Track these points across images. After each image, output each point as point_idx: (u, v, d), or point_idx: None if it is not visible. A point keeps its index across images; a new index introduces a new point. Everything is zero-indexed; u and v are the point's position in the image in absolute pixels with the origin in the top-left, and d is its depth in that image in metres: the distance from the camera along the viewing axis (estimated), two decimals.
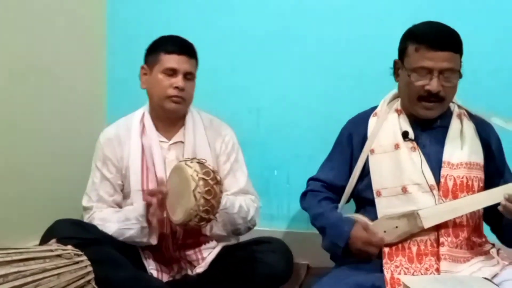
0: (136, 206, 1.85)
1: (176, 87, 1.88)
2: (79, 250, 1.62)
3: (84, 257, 1.61)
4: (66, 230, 1.75)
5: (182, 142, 1.96)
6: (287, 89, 2.49)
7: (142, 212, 1.79)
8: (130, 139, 1.94)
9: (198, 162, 1.69)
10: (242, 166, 2.03)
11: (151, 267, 1.89)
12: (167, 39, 1.96)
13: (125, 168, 1.94)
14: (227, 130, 2.05)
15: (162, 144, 1.95)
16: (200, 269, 1.90)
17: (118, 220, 1.84)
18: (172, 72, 1.89)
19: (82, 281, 1.56)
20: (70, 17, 2.47)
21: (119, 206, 1.96)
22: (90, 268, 1.61)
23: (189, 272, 1.92)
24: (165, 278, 1.90)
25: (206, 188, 1.62)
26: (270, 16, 2.48)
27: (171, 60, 1.89)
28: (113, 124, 2.04)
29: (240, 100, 2.52)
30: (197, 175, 1.63)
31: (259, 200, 2.03)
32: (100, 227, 1.84)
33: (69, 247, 1.62)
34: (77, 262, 1.58)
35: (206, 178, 1.63)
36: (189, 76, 1.92)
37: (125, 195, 1.95)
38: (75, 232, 1.74)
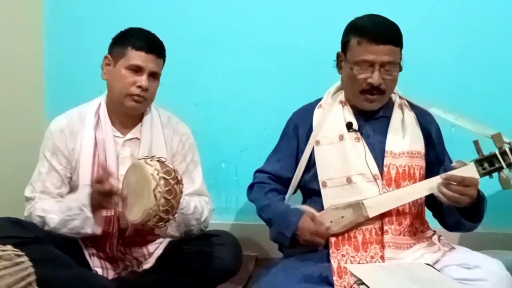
0: (78, 195, 1.79)
1: (140, 86, 1.80)
2: (19, 250, 1.54)
3: (25, 258, 1.53)
4: (4, 229, 1.68)
5: (138, 139, 1.90)
6: (235, 82, 2.48)
7: (85, 202, 1.73)
8: (83, 131, 1.86)
9: (158, 161, 1.63)
10: (197, 167, 2.00)
11: (96, 265, 1.84)
12: (137, 33, 1.87)
13: (76, 161, 1.86)
14: (185, 129, 2.00)
15: (117, 139, 1.88)
16: (147, 265, 1.87)
17: (60, 211, 1.77)
18: (137, 70, 1.81)
19: (23, 283, 1.49)
20: (5, 7, 2.35)
21: None
22: (31, 269, 1.53)
23: (136, 268, 1.88)
24: (110, 275, 1.86)
25: (167, 188, 1.58)
26: (219, 9, 2.46)
27: (138, 57, 1.81)
28: (65, 113, 1.93)
29: (188, 93, 2.49)
30: (157, 174, 1.58)
31: (213, 202, 2.01)
32: (41, 219, 1.78)
33: (9, 247, 1.54)
34: (18, 263, 1.50)
35: (167, 177, 1.59)
36: (154, 76, 1.85)
37: (73, 188, 1.88)
38: (13, 231, 1.68)
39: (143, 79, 1.80)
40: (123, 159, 1.84)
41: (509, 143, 1.63)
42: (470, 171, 1.64)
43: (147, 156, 1.69)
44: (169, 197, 1.58)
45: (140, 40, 1.83)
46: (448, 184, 1.61)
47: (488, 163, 1.64)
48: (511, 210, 1.94)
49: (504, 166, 1.63)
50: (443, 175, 1.63)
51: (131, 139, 1.90)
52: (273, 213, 1.79)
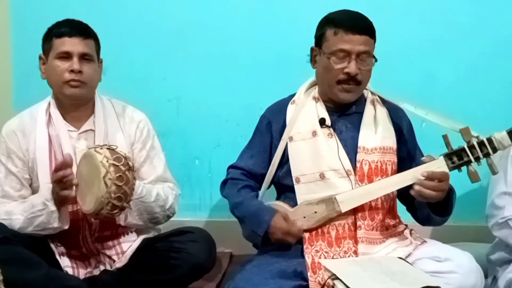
0: (41, 192, 1.77)
1: (72, 71, 1.79)
2: None
3: None
4: None
5: (93, 130, 1.88)
6: (207, 78, 2.45)
7: (48, 196, 1.71)
8: (35, 130, 1.85)
9: (108, 148, 1.63)
10: (159, 153, 1.99)
11: (66, 265, 1.82)
12: (58, 23, 1.86)
13: (32, 161, 1.84)
14: (141, 116, 1.99)
15: (71, 133, 1.87)
16: (119, 263, 1.85)
17: (24, 210, 1.75)
18: (66, 56, 1.80)
19: None
20: None
21: None
22: None
23: (108, 267, 1.86)
24: (81, 274, 1.83)
25: (118, 174, 1.57)
26: (188, 4, 2.43)
27: (62, 44, 1.80)
28: (16, 116, 1.93)
29: (159, 89, 2.45)
30: (107, 161, 1.57)
31: (178, 188, 2.00)
32: (6, 222, 1.75)
33: None
34: None
35: (117, 163, 1.58)
36: (86, 57, 1.83)
37: (34, 190, 1.85)
38: None
39: (74, 63, 1.80)
40: (79, 153, 1.81)
41: (477, 137, 1.66)
42: (439, 165, 1.67)
43: (98, 145, 1.69)
44: (120, 184, 1.57)
45: (60, 27, 1.84)
46: (428, 181, 1.62)
47: (457, 157, 1.66)
48: (480, 203, 1.96)
49: (473, 159, 1.66)
50: (424, 172, 1.64)
51: (85, 131, 1.88)
52: (245, 211, 1.78)
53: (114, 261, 1.86)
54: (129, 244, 1.89)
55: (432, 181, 1.62)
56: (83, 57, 1.82)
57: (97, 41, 1.90)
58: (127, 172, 1.59)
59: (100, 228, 1.84)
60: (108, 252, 1.87)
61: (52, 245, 1.82)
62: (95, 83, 1.90)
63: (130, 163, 1.63)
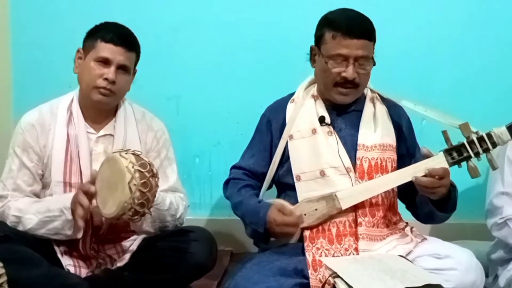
0: (60, 197, 1.76)
1: (106, 79, 1.77)
2: None
3: None
4: None
5: (112, 135, 1.87)
6: (207, 77, 2.45)
7: (67, 205, 1.69)
8: (55, 127, 1.82)
9: (133, 154, 1.62)
10: (172, 164, 1.98)
11: (68, 263, 1.81)
12: (108, 26, 1.84)
13: (48, 157, 1.82)
14: (160, 125, 1.98)
15: (90, 135, 1.85)
16: (120, 262, 1.85)
17: (38, 211, 1.73)
18: (105, 62, 1.78)
19: None
20: None
21: (37, 196, 1.84)
22: (2, 270, 1.50)
23: (109, 266, 1.86)
24: (83, 273, 1.83)
25: (142, 181, 1.56)
26: (188, 2, 2.43)
27: (106, 49, 1.78)
28: (35, 108, 1.89)
29: (159, 87, 2.45)
30: (132, 167, 1.56)
31: (188, 199, 2.00)
32: (15, 219, 1.74)
33: None
34: None
35: (142, 170, 1.57)
36: (123, 69, 1.81)
37: (45, 185, 1.84)
38: None
39: (110, 72, 1.78)
40: (96, 156, 1.81)
41: (476, 133, 1.66)
42: (439, 160, 1.67)
43: (122, 149, 1.68)
44: (144, 190, 1.57)
45: (110, 32, 1.81)
46: (427, 178, 1.62)
47: (456, 153, 1.67)
48: (480, 201, 1.97)
49: (472, 155, 1.66)
50: (425, 169, 1.64)
51: (104, 135, 1.87)
52: (245, 209, 1.79)
53: (115, 260, 1.86)
54: (130, 243, 1.89)
55: (432, 178, 1.62)
56: (121, 68, 1.80)
57: (138, 54, 1.88)
58: (151, 179, 1.58)
59: (107, 232, 1.83)
60: (108, 252, 1.87)
61: (54, 244, 1.82)
62: (124, 94, 1.89)
63: (154, 170, 1.61)
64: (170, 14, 2.43)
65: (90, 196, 1.66)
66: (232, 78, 2.44)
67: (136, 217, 1.61)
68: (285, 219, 1.69)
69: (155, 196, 1.63)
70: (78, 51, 1.86)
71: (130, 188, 1.55)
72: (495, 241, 1.95)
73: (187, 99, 2.47)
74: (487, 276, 1.80)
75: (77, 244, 1.82)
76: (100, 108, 1.86)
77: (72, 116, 1.85)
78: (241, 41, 2.42)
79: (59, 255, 1.81)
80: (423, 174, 1.64)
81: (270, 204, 1.75)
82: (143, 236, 1.91)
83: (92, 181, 1.67)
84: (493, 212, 1.87)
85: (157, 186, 1.62)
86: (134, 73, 1.91)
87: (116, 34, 1.81)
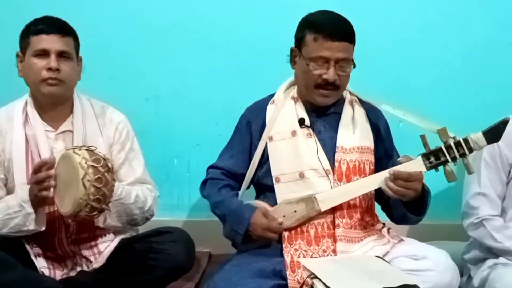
0: (18, 192, 1.73)
1: (49, 68, 1.76)
2: None
3: None
4: None
5: (71, 131, 1.85)
6: (187, 77, 2.44)
7: (25, 197, 1.67)
8: (12, 130, 1.81)
9: (87, 149, 1.61)
10: (138, 155, 1.97)
11: (42, 266, 1.78)
12: (36, 20, 1.83)
13: (8, 161, 1.80)
14: (121, 118, 1.96)
15: (49, 133, 1.83)
16: (96, 264, 1.83)
17: None
18: (43, 53, 1.77)
19: None
20: None
21: None
22: None
23: (85, 267, 1.84)
24: (58, 275, 1.80)
25: (96, 176, 1.55)
26: (168, 2, 2.41)
27: (40, 41, 1.77)
28: None
29: (138, 87, 2.43)
30: (85, 163, 1.55)
31: (157, 190, 1.99)
32: None
33: None
34: None
35: (96, 165, 1.56)
36: (64, 55, 1.80)
37: (9, 190, 1.81)
38: None
39: (51, 60, 1.77)
40: (57, 154, 1.77)
41: (453, 138, 1.69)
42: (417, 164, 1.69)
43: (76, 146, 1.67)
44: (100, 185, 1.55)
45: (37, 24, 1.81)
46: (395, 179, 1.65)
47: (434, 157, 1.69)
48: (456, 202, 2.00)
49: (449, 159, 1.68)
50: (391, 170, 1.67)
51: (63, 132, 1.85)
52: (226, 209, 1.78)
53: (90, 262, 1.84)
54: (106, 244, 1.87)
55: (400, 181, 1.64)
56: (61, 55, 1.79)
57: (76, 39, 1.87)
58: (106, 174, 1.57)
59: (77, 230, 1.82)
60: (84, 253, 1.84)
61: (27, 246, 1.79)
62: (74, 82, 1.87)
63: (110, 165, 1.60)
64: (149, 14, 2.41)
65: (47, 173, 1.62)
66: (211, 79, 2.43)
67: (94, 213, 1.60)
68: (270, 224, 1.70)
69: (112, 191, 1.62)
70: (17, 55, 1.85)
71: (84, 184, 1.54)
72: (470, 241, 1.99)
73: (166, 100, 2.45)
74: (461, 275, 1.82)
75: (54, 244, 1.80)
76: (54, 103, 1.84)
77: (28, 117, 1.83)
78: (220, 42, 2.41)
79: (33, 257, 1.78)
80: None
81: (253, 206, 1.75)
82: (120, 237, 1.89)
83: (42, 166, 1.64)
84: (469, 213, 1.90)
85: (114, 180, 1.61)
86: (80, 60, 1.89)
87: (45, 23, 1.80)
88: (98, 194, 1.56)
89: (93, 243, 1.86)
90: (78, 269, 1.84)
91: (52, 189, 1.65)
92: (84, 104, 1.90)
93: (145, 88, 2.44)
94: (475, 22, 2.41)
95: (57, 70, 1.77)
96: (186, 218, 2.49)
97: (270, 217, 1.71)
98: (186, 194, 2.49)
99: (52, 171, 1.64)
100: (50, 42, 1.77)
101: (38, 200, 1.67)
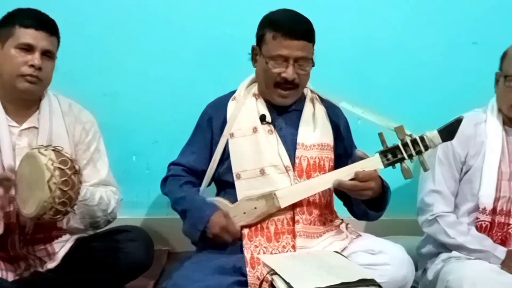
0: None
1: (32, 65, 1.70)
2: None
3: None
4: None
5: (36, 128, 1.79)
6: (146, 73, 2.40)
7: None
8: None
9: (53, 150, 1.55)
10: (103, 156, 1.92)
11: None
12: (24, 11, 1.76)
13: None
14: (88, 117, 1.92)
15: (12, 129, 1.75)
16: (51, 264, 1.78)
17: None
18: (28, 48, 1.71)
19: None
20: None
21: None
22: None
23: (39, 268, 1.78)
24: (10, 277, 1.73)
25: (63, 179, 1.50)
26: None
27: (27, 35, 1.71)
28: None
29: (95, 82, 2.37)
30: (52, 164, 1.50)
31: (120, 192, 1.95)
32: None
33: None
34: None
35: (63, 167, 1.51)
36: (48, 54, 1.75)
37: None
38: None
39: (35, 58, 1.71)
40: (20, 150, 1.71)
41: (410, 135, 1.72)
42: (375, 162, 1.72)
43: (42, 145, 1.61)
44: (66, 188, 1.51)
45: (28, 17, 1.74)
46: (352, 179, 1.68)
47: (391, 154, 1.73)
48: (412, 198, 2.05)
49: (406, 157, 1.72)
50: (336, 181, 1.69)
51: (28, 128, 1.78)
52: (188, 205, 1.77)
53: (45, 262, 1.78)
54: (61, 244, 1.82)
55: (357, 181, 1.67)
56: (45, 54, 1.73)
57: (59, 40, 1.81)
58: (73, 176, 1.52)
59: (33, 231, 1.75)
60: (38, 254, 1.78)
61: None
62: (49, 82, 1.80)
63: (77, 167, 1.55)
64: (107, 9, 2.36)
65: (7, 185, 1.57)
66: (170, 74, 2.40)
67: (58, 216, 1.55)
68: (229, 225, 1.70)
69: (78, 193, 1.57)
70: None
71: (49, 187, 1.48)
72: (425, 236, 2.04)
73: (124, 96, 2.41)
74: (416, 269, 1.87)
75: (6, 244, 1.73)
76: (24, 99, 1.77)
77: None
78: (180, 38, 2.39)
79: None
80: (352, 177, 1.68)
81: (215, 205, 1.75)
82: (76, 236, 1.85)
83: (5, 174, 1.58)
84: (424, 209, 1.95)
85: (80, 183, 1.57)
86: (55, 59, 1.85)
87: (36, 18, 1.74)
88: (64, 197, 1.51)
89: (47, 243, 1.80)
90: (32, 270, 1.78)
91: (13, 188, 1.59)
92: (51, 100, 1.84)
93: (103, 84, 2.39)
94: (436, 21, 2.45)
95: (39, 68, 1.71)
96: (145, 216, 2.46)
97: (230, 220, 1.72)
98: (145, 191, 2.45)
99: (13, 175, 1.57)
100: (38, 38, 1.71)
101: None
